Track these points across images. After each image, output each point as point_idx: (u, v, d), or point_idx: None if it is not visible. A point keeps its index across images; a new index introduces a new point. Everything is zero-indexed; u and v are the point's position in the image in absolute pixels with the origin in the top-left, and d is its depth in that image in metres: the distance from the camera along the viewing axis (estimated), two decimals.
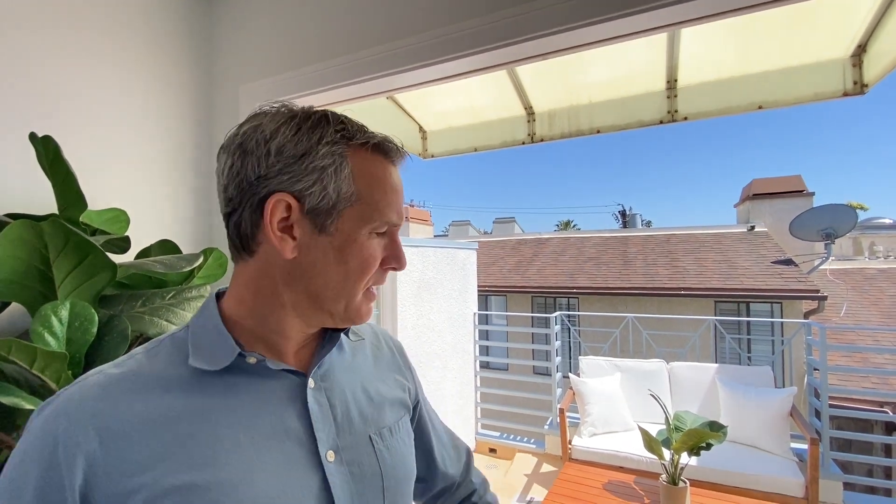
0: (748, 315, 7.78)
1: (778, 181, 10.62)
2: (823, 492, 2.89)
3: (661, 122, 2.07)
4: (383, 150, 0.54)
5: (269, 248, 0.50)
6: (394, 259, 0.56)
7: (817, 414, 3.12)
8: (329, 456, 0.51)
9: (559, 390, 3.96)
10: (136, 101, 1.31)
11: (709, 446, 2.12)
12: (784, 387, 3.16)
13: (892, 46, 1.55)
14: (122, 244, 1.09)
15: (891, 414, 5.91)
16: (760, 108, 1.92)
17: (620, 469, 3.00)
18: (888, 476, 6.11)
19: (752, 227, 10.26)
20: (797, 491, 2.55)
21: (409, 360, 0.76)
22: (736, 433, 3.02)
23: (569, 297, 9.22)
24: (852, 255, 13.81)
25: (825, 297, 6.78)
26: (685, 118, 2.04)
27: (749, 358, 7.46)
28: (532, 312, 9.61)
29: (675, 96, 2.06)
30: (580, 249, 11.08)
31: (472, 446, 4.10)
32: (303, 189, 0.49)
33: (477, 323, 4.20)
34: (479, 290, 10.22)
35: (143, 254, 1.19)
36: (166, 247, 1.19)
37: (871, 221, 14.52)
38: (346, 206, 0.50)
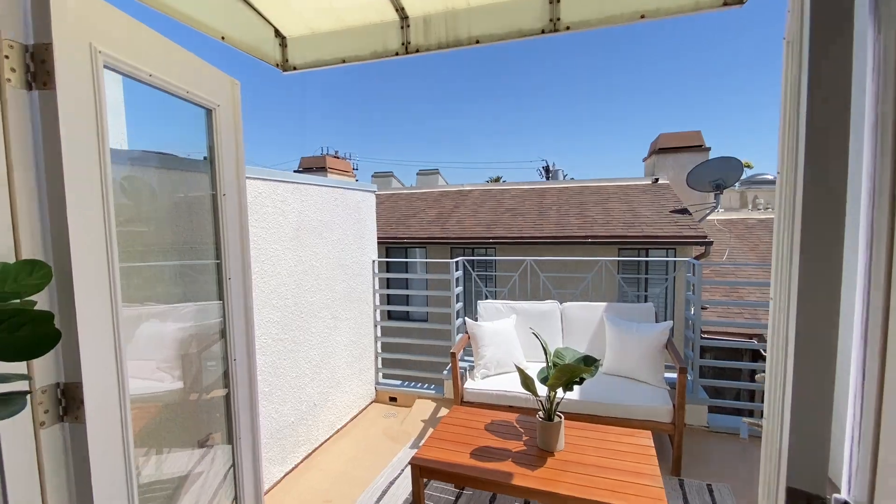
0: (647, 258, 8.34)
1: (681, 136, 11.26)
2: (691, 415, 3.12)
3: (543, 32, 1.84)
4: None
5: None
6: None
7: (692, 345, 3.33)
8: None
9: (459, 335, 3.89)
10: None
11: (581, 380, 2.09)
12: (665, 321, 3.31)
13: None
14: None
15: (756, 343, 6.70)
16: (643, 17, 1.74)
17: (509, 408, 3.00)
18: (752, 398, 7.00)
19: (657, 180, 10.90)
20: (665, 417, 2.69)
21: None
22: (617, 366, 3.13)
23: (486, 248, 9.28)
24: (738, 207, 15.39)
25: (711, 243, 7.40)
26: (567, 27, 1.82)
27: (646, 297, 8.07)
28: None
29: (558, 2, 1.82)
30: (500, 201, 11.14)
31: (371, 396, 3.96)
32: None
33: (376, 271, 3.95)
34: (398, 242, 10.00)
35: None
36: None
37: (755, 177, 16.17)
38: None
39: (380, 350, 4.04)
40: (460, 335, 3.88)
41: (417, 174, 15.05)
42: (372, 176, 14.94)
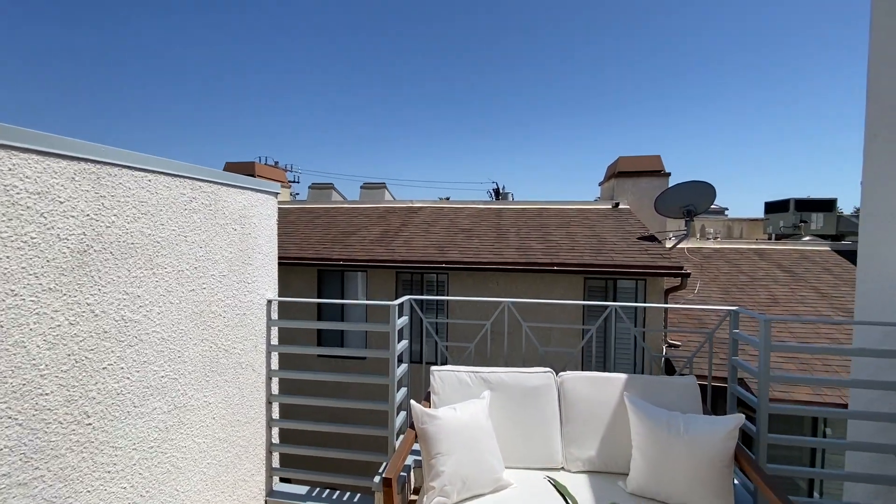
0: (615, 292, 7.48)
1: (640, 160, 10.81)
2: None
3: None
4: None
5: None
6: None
7: (746, 441, 2.23)
8: None
9: (401, 418, 2.57)
10: None
11: None
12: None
13: None
14: None
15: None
16: None
17: None
18: None
19: (617, 204, 10.30)
20: None
21: None
22: (655, 486, 1.95)
23: (437, 273, 8.03)
24: (688, 235, 15.39)
25: (688, 274, 6.64)
26: None
27: (613, 342, 7.16)
28: (396, 291, 8.23)
29: None
30: (453, 221, 10.01)
31: None
32: None
33: (274, 316, 2.54)
34: (333, 266, 8.45)
35: None
36: None
37: None
38: None
39: (276, 440, 2.60)
40: (403, 415, 2.56)
41: (361, 187, 13.63)
42: (309, 187, 13.32)
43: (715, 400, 4.01)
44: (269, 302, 2.52)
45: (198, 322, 1.98)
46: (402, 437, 2.49)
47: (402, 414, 2.61)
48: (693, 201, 7.56)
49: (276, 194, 2.57)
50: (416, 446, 2.34)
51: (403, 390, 2.63)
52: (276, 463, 2.61)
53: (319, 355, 8.35)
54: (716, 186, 7.72)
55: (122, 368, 1.62)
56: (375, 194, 13.62)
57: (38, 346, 1.34)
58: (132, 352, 1.66)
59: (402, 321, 2.61)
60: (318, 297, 8.51)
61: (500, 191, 24.99)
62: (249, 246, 2.34)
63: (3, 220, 1.24)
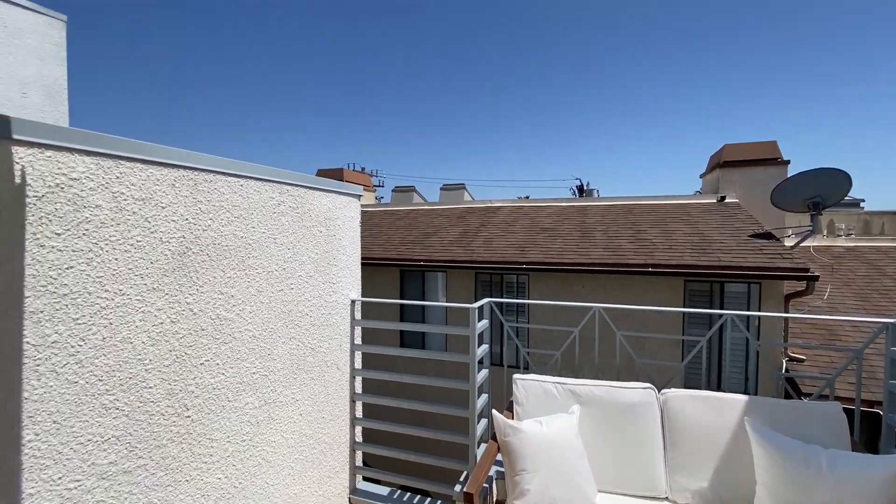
0: (721, 297, 6.66)
1: (751, 147, 9.56)
2: None
3: None
4: None
5: None
6: None
7: None
8: None
9: (483, 423, 2.45)
10: None
11: None
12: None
13: None
14: None
15: None
16: None
17: None
18: None
19: (723, 198, 9.21)
20: None
21: None
22: None
23: (518, 274, 7.81)
24: (813, 232, 13.27)
25: (816, 277, 5.68)
26: None
27: (721, 356, 6.36)
28: (476, 291, 8.15)
29: None
30: (534, 220, 9.68)
31: None
32: None
33: (357, 316, 2.57)
34: (414, 265, 8.61)
35: None
36: None
37: None
38: None
39: (359, 439, 2.63)
40: (485, 422, 2.44)
41: (441, 189, 13.79)
42: (392, 190, 13.78)
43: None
44: (353, 302, 2.55)
45: (286, 321, 2.04)
46: (482, 446, 2.38)
47: (483, 422, 2.49)
48: (821, 192, 6.47)
49: (358, 196, 2.59)
50: (497, 456, 2.21)
51: (484, 397, 2.52)
52: (358, 462, 2.64)
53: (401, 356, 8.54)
54: (851, 174, 6.53)
55: (218, 364, 1.70)
56: (455, 195, 13.69)
57: (143, 343, 1.44)
58: (226, 349, 1.74)
59: (483, 325, 2.50)
60: (401, 297, 8.73)
61: (585, 187, 23.70)
62: (334, 247, 2.38)
63: (112, 225, 1.35)
